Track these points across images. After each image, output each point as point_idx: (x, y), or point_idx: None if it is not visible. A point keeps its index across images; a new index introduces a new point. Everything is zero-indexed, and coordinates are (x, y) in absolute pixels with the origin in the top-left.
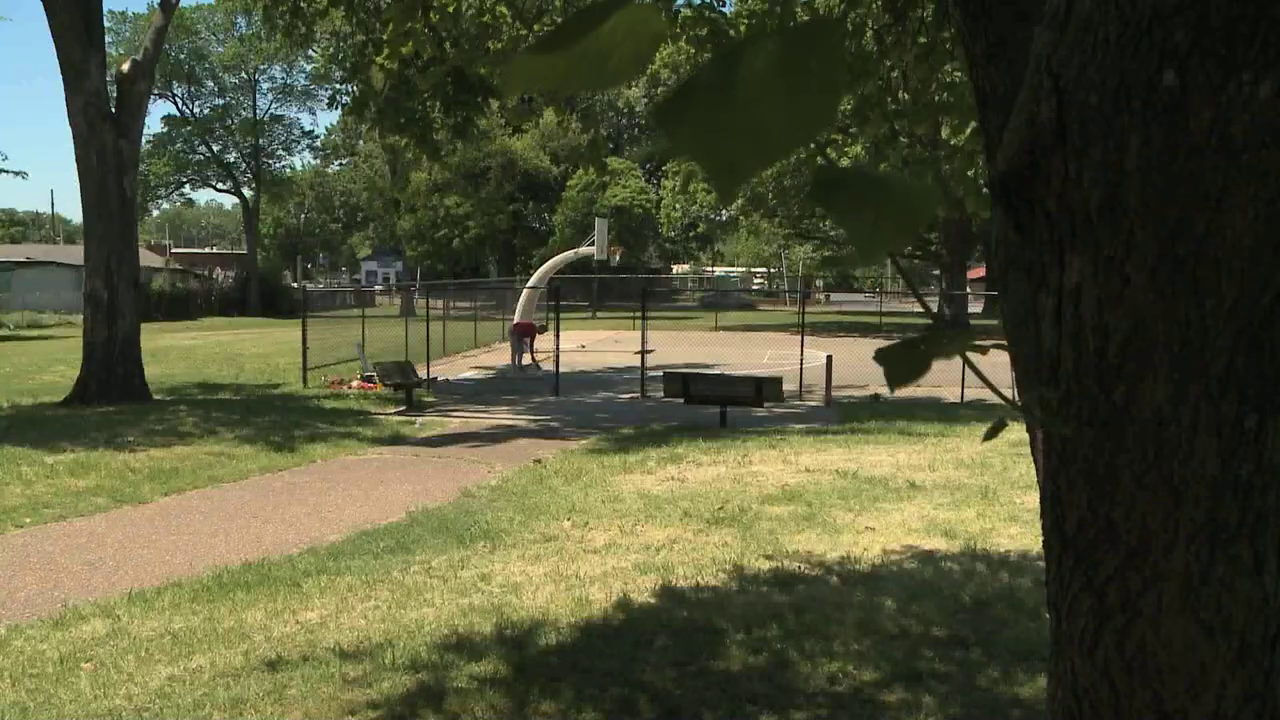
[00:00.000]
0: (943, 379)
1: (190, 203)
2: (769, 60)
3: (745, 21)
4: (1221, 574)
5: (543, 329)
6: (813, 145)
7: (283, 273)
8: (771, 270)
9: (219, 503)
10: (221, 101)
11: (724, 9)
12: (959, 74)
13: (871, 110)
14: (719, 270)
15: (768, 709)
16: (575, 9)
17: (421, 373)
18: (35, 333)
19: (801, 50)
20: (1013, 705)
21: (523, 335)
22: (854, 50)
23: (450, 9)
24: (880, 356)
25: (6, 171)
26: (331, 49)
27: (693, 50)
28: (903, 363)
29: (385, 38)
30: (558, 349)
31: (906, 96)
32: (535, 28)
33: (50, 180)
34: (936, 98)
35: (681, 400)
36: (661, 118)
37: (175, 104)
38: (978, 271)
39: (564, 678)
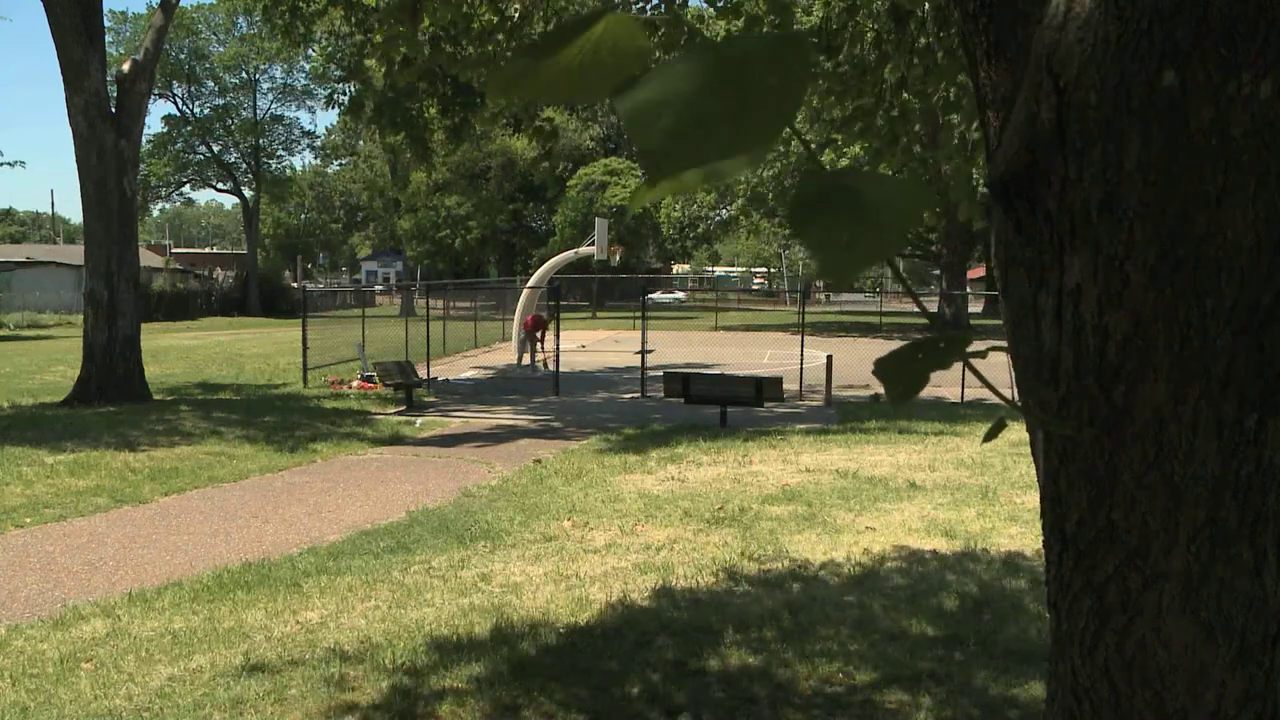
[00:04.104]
0: (943, 379)
1: (190, 203)
2: (735, 68)
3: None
4: (1221, 574)
5: (549, 319)
6: (813, 147)
7: (283, 273)
8: (771, 270)
9: (219, 503)
10: (221, 101)
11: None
12: (962, 76)
13: (868, 118)
14: (719, 270)
15: (767, 709)
16: (555, 14)
17: (421, 373)
18: (35, 333)
19: (767, 61)
20: (1012, 706)
21: (533, 330)
22: (854, 58)
23: (443, 17)
24: (879, 370)
25: (6, 164)
26: (330, 48)
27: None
28: (901, 376)
29: (378, 38)
30: (558, 349)
31: (907, 97)
32: (518, 35)
33: (50, 180)
34: (939, 99)
35: (682, 400)
36: (620, 103)
37: (175, 104)
38: (978, 271)
39: (564, 677)
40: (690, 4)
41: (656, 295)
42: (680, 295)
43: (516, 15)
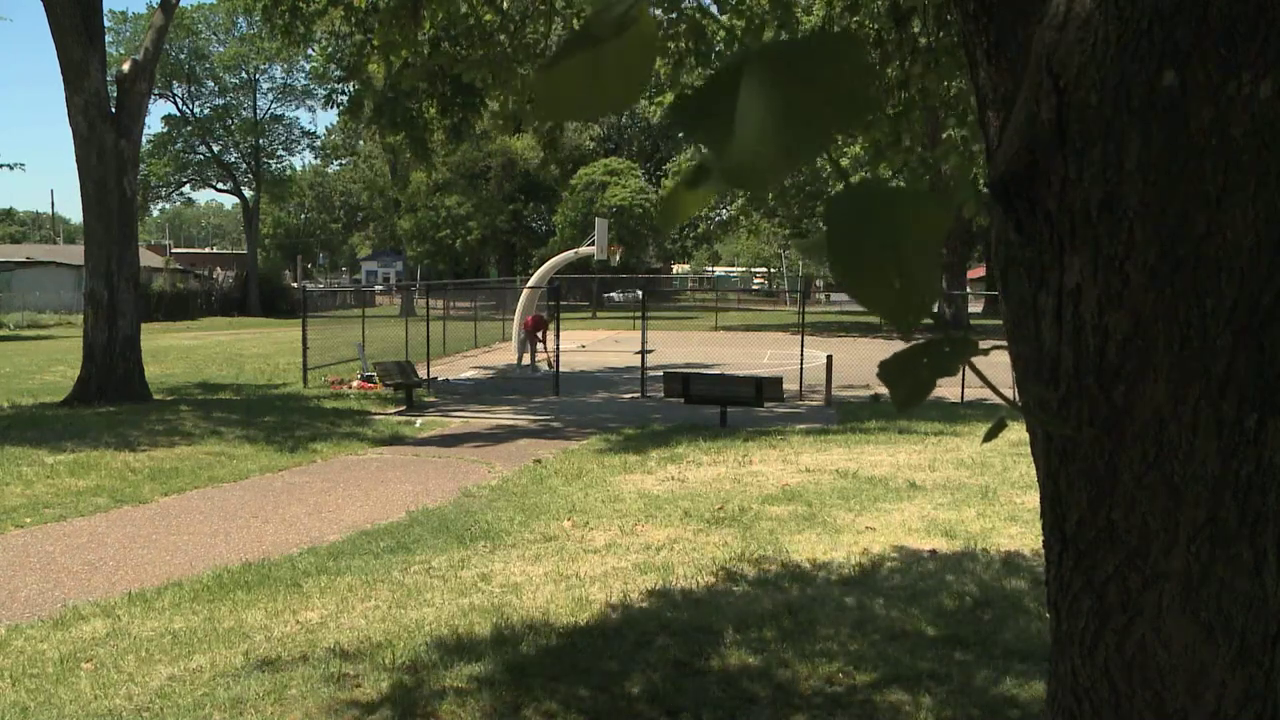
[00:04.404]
0: (943, 378)
1: (190, 203)
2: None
3: (739, 32)
4: (1221, 574)
5: (549, 319)
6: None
7: (283, 273)
8: (771, 270)
9: (219, 503)
10: (221, 101)
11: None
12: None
13: (871, 114)
14: (719, 270)
15: (767, 709)
16: (556, 14)
17: (421, 373)
18: (35, 333)
19: (827, 59)
20: (1012, 706)
21: (534, 330)
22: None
23: (440, 15)
24: (884, 374)
25: (5, 166)
26: (330, 48)
27: (673, 63)
28: (906, 381)
29: (376, 42)
30: (558, 349)
31: (906, 96)
32: (519, 35)
33: (50, 180)
34: (940, 98)
35: (682, 400)
36: (676, 115)
37: (175, 104)
38: (978, 271)
39: (564, 677)
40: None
41: (614, 295)
42: (639, 293)
43: (517, 15)
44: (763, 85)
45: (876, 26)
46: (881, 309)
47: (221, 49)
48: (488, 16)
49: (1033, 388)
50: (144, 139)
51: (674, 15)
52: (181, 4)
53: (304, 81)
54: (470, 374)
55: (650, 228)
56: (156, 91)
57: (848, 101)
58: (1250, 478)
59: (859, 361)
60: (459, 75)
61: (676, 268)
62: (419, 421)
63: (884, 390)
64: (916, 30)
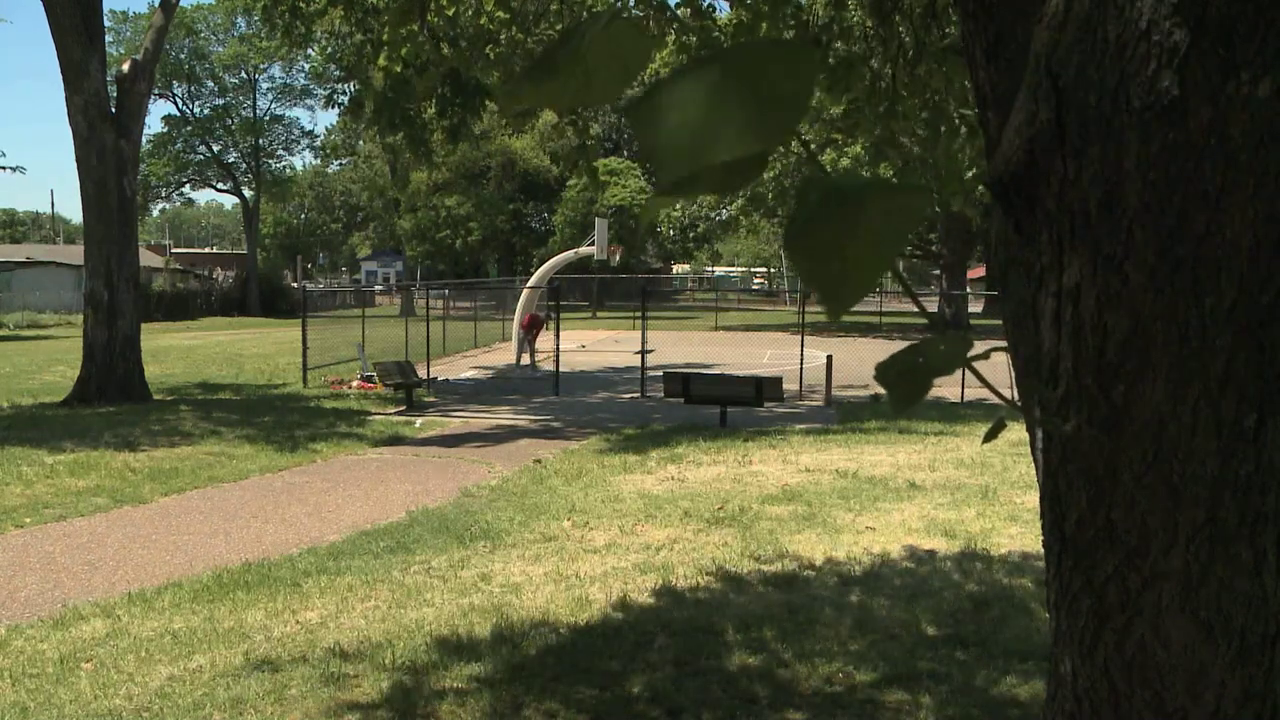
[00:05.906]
0: (943, 378)
1: (190, 203)
2: (736, 73)
3: (735, 28)
4: (1221, 574)
5: (546, 319)
6: (812, 147)
7: (283, 273)
8: (771, 270)
9: (219, 503)
10: (221, 101)
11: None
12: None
13: (861, 114)
14: (719, 270)
15: (767, 709)
16: (570, 11)
17: (421, 373)
18: (35, 333)
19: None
20: (1011, 705)
21: (529, 330)
22: (843, 53)
23: (449, 12)
24: (881, 376)
25: (5, 168)
26: (330, 48)
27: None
28: (903, 383)
29: (384, 39)
30: (558, 349)
31: (903, 94)
32: (533, 32)
33: (50, 180)
34: (933, 99)
35: (682, 400)
36: (630, 113)
37: (175, 104)
38: (978, 271)
39: (564, 678)
40: None
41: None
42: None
43: (529, 12)
44: (698, 83)
45: (865, 23)
46: (818, 288)
47: (221, 49)
48: (499, 14)
49: (1032, 388)
50: (144, 139)
51: (677, 14)
52: (181, 4)
53: (304, 81)
54: (470, 374)
55: (646, 227)
56: (156, 91)
57: (782, 103)
58: (1250, 478)
59: (859, 361)
60: (461, 75)
61: (676, 268)
62: (419, 421)
63: (884, 390)
64: (899, 27)
